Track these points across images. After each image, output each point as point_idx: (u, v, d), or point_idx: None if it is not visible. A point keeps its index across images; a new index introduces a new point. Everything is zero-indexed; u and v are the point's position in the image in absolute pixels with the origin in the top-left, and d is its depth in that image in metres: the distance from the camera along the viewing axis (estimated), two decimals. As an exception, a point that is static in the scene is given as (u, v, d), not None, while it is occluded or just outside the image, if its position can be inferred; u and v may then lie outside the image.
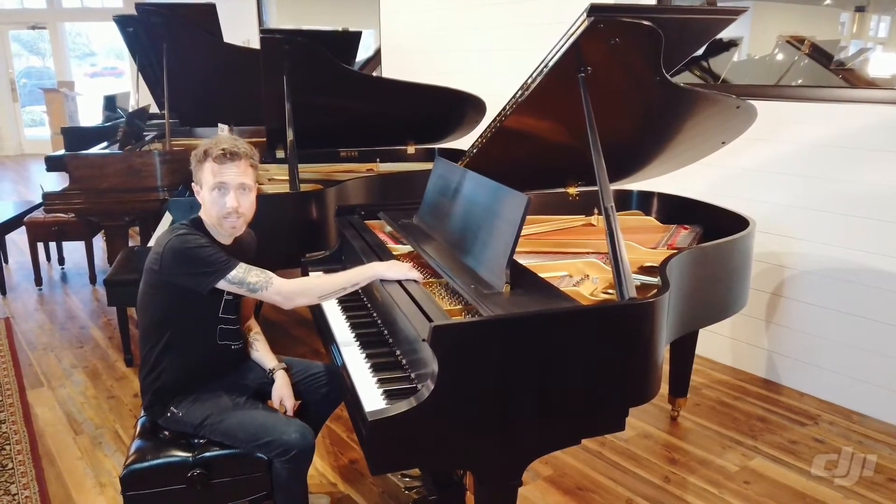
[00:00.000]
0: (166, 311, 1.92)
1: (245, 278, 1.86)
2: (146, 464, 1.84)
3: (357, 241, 2.35)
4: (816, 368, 3.13)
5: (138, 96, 5.41)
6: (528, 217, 1.77)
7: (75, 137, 5.15)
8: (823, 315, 3.08)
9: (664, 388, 2.80)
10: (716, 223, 2.59)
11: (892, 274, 2.84)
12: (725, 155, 2.70)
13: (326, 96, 3.48)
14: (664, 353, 1.82)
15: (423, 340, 1.52)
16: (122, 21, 4.60)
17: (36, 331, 3.95)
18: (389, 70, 5.42)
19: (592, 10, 1.69)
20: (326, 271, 2.44)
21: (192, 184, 1.96)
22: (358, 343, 1.94)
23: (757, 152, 3.17)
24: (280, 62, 3.18)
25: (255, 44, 6.17)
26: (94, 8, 10.90)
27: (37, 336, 3.87)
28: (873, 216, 2.85)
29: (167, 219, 3.09)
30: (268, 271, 1.90)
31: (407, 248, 2.28)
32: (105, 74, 12.33)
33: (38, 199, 4.46)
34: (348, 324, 2.08)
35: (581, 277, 2.08)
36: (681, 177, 2.79)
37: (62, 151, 4.78)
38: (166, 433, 1.95)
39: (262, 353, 2.11)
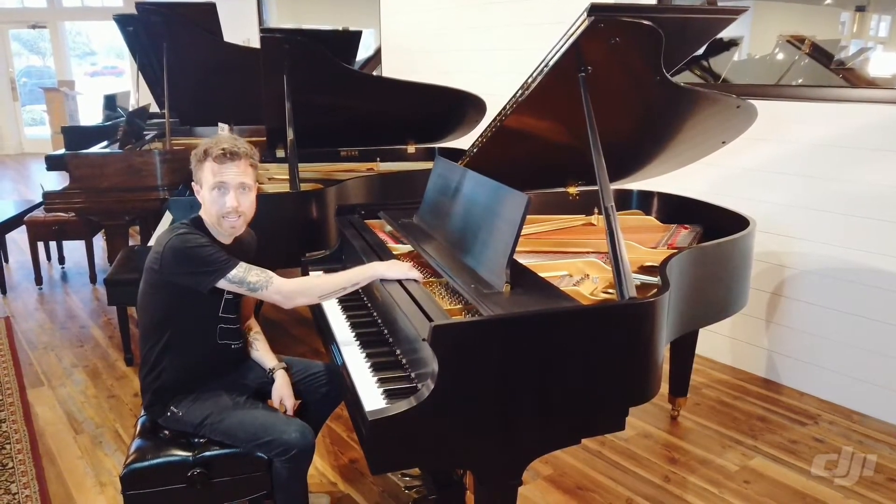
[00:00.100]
0: (166, 311, 1.92)
1: (245, 277, 1.86)
2: (146, 463, 1.84)
3: (357, 240, 2.35)
4: (816, 368, 3.13)
5: (138, 95, 5.42)
6: (528, 216, 1.77)
7: (75, 137, 5.15)
8: (823, 315, 3.08)
9: (664, 387, 2.80)
10: (716, 223, 2.59)
11: (893, 274, 2.84)
12: (726, 154, 2.70)
13: (326, 95, 3.48)
14: (664, 353, 1.82)
15: (424, 340, 1.52)
16: (123, 20, 4.59)
17: (36, 330, 3.95)
18: (389, 69, 5.41)
19: (593, 9, 1.69)
20: (327, 271, 2.44)
21: (192, 183, 1.96)
22: (358, 342, 1.94)
23: (757, 152, 3.17)
24: (280, 61, 3.18)
25: (256, 43, 6.17)
26: (94, 7, 10.90)
27: (37, 335, 3.87)
28: (874, 216, 2.85)
29: (167, 218, 3.09)
30: (268, 271, 1.90)
31: (407, 248, 2.28)
32: (105, 74, 12.34)
33: (39, 199, 4.46)
34: (348, 323, 2.08)
35: (581, 277, 2.08)
36: (681, 176, 2.79)
37: (62, 151, 4.78)
38: (166, 432, 1.95)
39: (262, 352, 2.11)
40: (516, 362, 1.51)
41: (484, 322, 1.52)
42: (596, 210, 2.74)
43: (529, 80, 1.97)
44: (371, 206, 2.69)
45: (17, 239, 5.40)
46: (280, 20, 7.22)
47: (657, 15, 1.82)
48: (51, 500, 2.39)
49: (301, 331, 3.89)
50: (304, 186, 3.24)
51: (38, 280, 4.67)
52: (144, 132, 4.73)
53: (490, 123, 2.21)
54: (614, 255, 1.72)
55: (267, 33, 3.18)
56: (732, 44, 3.42)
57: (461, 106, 3.80)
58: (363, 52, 5.21)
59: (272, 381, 2.03)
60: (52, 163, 4.72)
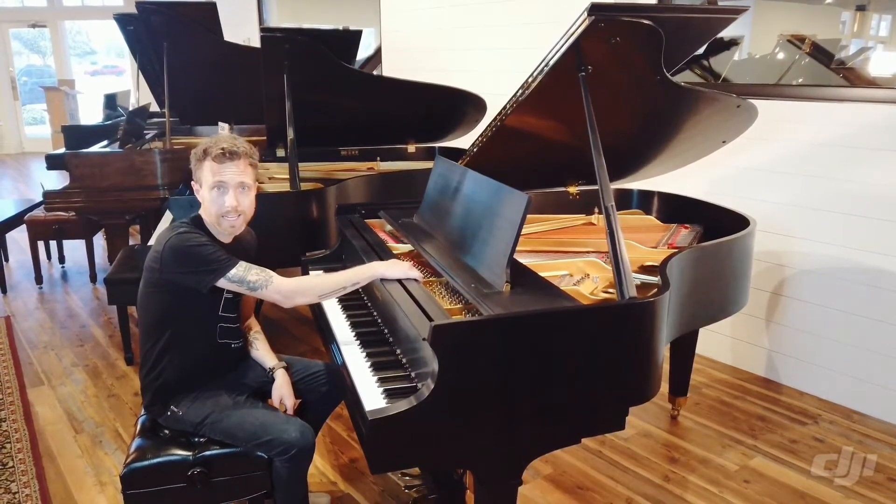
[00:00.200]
0: (166, 310, 1.92)
1: (245, 277, 1.86)
2: (146, 462, 1.84)
3: (357, 240, 2.35)
4: (816, 367, 3.13)
5: (139, 95, 5.42)
6: (528, 216, 1.77)
7: (76, 136, 5.15)
8: (824, 314, 3.08)
9: (664, 387, 2.80)
10: (716, 222, 2.59)
11: (893, 273, 2.84)
12: (726, 154, 2.70)
13: (327, 95, 3.48)
14: (664, 353, 1.82)
15: (424, 339, 1.51)
16: (123, 19, 4.60)
17: (36, 329, 3.95)
18: (390, 69, 5.41)
19: (593, 9, 1.69)
20: (327, 270, 2.44)
21: (192, 182, 1.96)
22: (358, 342, 1.94)
23: (757, 151, 3.17)
24: (280, 61, 3.18)
25: (256, 42, 6.17)
26: (94, 6, 10.89)
27: (37, 334, 3.87)
28: (874, 215, 2.85)
29: (167, 217, 3.09)
30: (268, 270, 1.90)
31: (407, 247, 2.28)
32: (105, 73, 12.33)
33: (39, 198, 4.46)
34: (348, 323, 2.08)
35: (581, 276, 2.08)
36: (681, 176, 2.79)
37: (62, 150, 4.78)
38: (166, 432, 1.95)
39: (262, 351, 2.11)
40: (516, 362, 1.51)
41: (484, 322, 1.52)
42: (596, 209, 2.74)
43: (530, 80, 1.97)
44: (371, 206, 2.69)
45: (18, 238, 5.40)
46: (280, 19, 7.22)
47: (657, 14, 1.82)
48: (51, 500, 2.39)
49: (301, 330, 3.89)
50: (305, 186, 3.23)
51: (39, 279, 4.67)
52: (145, 131, 4.73)
53: (490, 123, 2.21)
54: (614, 255, 1.72)
55: (267, 32, 3.19)
56: (733, 43, 3.42)
57: (461, 105, 3.80)
58: (363, 52, 5.21)
59: (272, 380, 2.03)
60: (53, 162, 4.72)
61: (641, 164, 2.62)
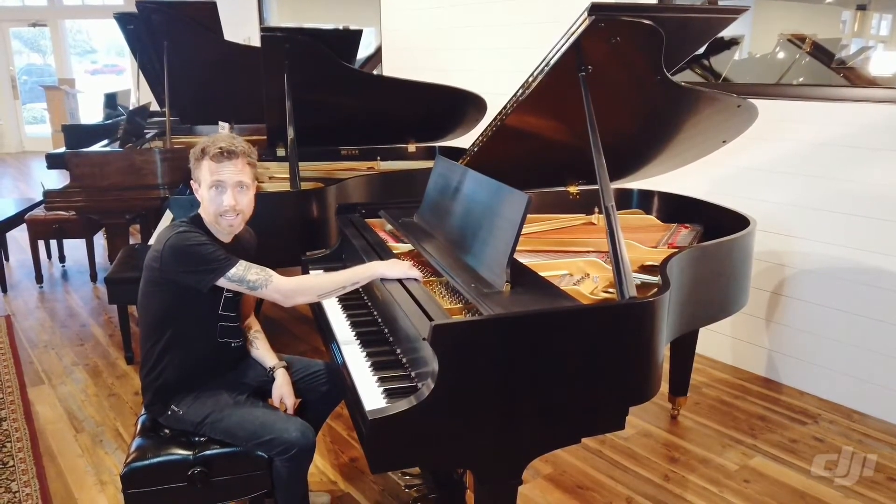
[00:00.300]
0: (167, 309, 1.92)
1: (245, 276, 1.86)
2: (147, 462, 1.84)
3: (357, 239, 2.35)
4: (817, 367, 3.13)
5: (139, 94, 5.41)
6: (528, 216, 1.77)
7: (76, 135, 5.15)
8: (824, 314, 3.08)
9: (664, 386, 2.80)
10: (716, 222, 2.59)
11: (893, 273, 2.84)
12: (726, 154, 2.70)
13: (327, 94, 3.48)
14: (664, 352, 1.82)
15: (424, 339, 1.52)
16: (123, 18, 4.60)
17: (37, 328, 3.95)
18: (390, 68, 5.41)
19: (593, 9, 1.69)
20: (327, 270, 2.44)
21: (191, 182, 1.97)
22: (358, 341, 1.94)
23: (758, 151, 3.17)
24: (281, 60, 3.18)
25: (256, 42, 6.17)
26: (94, 5, 10.89)
27: (37, 334, 3.87)
28: (875, 215, 2.85)
29: (168, 216, 3.09)
30: (267, 269, 1.90)
31: (407, 247, 2.28)
32: (106, 72, 12.33)
33: (39, 197, 4.46)
34: (349, 322, 2.08)
35: (581, 276, 2.08)
36: (681, 175, 2.79)
37: (63, 149, 4.78)
38: (167, 431, 1.95)
39: (262, 350, 2.11)
40: (516, 362, 1.51)
41: (484, 321, 1.52)
42: (596, 209, 2.74)
43: (530, 80, 1.96)
44: (371, 205, 2.69)
45: (18, 237, 5.40)
46: (280, 19, 7.22)
47: (658, 14, 1.82)
48: (51, 499, 2.39)
49: (301, 329, 3.90)
50: (305, 185, 3.24)
51: (39, 278, 4.67)
52: (145, 130, 4.73)
53: (491, 122, 2.21)
54: (614, 255, 1.72)
55: (267, 32, 3.19)
56: (733, 43, 3.41)
57: (462, 105, 3.80)
58: (364, 51, 5.21)
59: (272, 379, 2.03)
60: (53, 161, 4.72)
61: (642, 164, 2.62)
